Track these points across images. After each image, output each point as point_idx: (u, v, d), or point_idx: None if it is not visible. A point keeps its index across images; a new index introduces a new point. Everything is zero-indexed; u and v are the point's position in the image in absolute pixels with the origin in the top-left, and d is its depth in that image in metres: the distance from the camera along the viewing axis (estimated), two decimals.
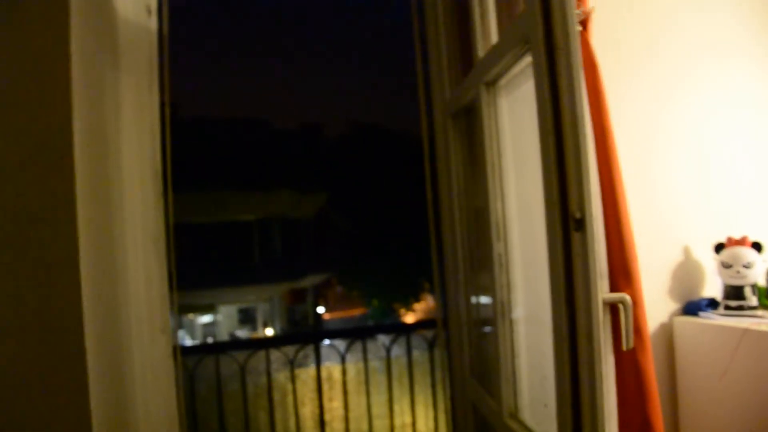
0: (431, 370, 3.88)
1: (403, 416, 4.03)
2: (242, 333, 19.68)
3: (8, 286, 1.45)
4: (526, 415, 1.91)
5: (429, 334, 3.87)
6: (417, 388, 3.91)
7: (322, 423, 3.78)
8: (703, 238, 2.23)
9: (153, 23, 2.26)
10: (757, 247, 2.08)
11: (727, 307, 2.09)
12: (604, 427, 1.29)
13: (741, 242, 2.10)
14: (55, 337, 1.46)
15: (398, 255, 19.52)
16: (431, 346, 3.82)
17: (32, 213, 1.46)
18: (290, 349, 3.72)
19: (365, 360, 3.79)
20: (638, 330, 1.48)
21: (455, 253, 2.51)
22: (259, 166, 19.22)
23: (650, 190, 2.21)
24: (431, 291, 19.49)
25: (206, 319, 19.88)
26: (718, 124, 2.29)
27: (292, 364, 3.67)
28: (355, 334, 3.98)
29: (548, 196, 1.38)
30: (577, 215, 1.29)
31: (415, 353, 3.89)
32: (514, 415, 1.92)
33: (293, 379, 3.72)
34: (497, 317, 1.95)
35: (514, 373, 1.93)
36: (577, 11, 1.32)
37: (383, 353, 3.82)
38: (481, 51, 2.01)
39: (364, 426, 3.83)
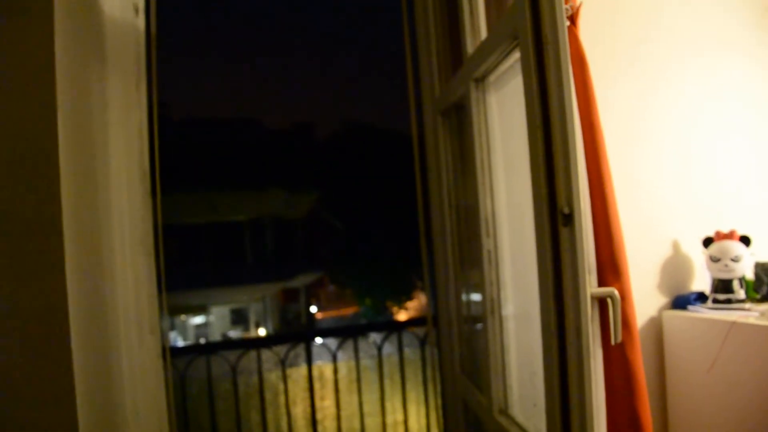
0: (423, 367, 3.88)
1: (395, 414, 4.03)
2: (235, 333, 19.62)
3: None
4: (516, 411, 1.92)
5: (420, 331, 3.87)
6: (409, 386, 3.91)
7: (314, 422, 3.77)
8: (691, 233, 2.23)
9: (140, 22, 2.25)
10: (745, 240, 2.09)
11: (716, 301, 2.10)
12: (593, 422, 1.29)
13: (729, 236, 2.11)
14: (41, 338, 1.44)
15: (390, 253, 19.52)
16: (422, 343, 3.82)
17: (16, 214, 1.45)
18: (281, 349, 3.71)
19: (357, 358, 3.78)
20: (627, 324, 1.48)
21: (445, 251, 2.51)
22: (250, 165, 19.18)
23: (639, 184, 2.21)
24: (423, 289, 19.50)
25: (198, 320, 19.81)
26: (707, 118, 2.30)
27: (284, 364, 3.66)
28: (347, 332, 3.98)
29: (536, 191, 1.39)
30: (566, 210, 1.29)
31: (407, 351, 3.89)
32: (504, 410, 1.92)
33: (285, 378, 3.71)
34: (487, 314, 1.95)
35: (503, 369, 1.94)
36: (565, 6, 1.31)
37: (375, 351, 3.81)
38: (470, 47, 2.01)
39: (356, 424, 3.83)
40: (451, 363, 2.55)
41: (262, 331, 19.55)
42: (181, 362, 3.37)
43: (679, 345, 2.13)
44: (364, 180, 20.10)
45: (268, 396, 3.75)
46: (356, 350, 3.77)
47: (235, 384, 3.54)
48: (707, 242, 2.15)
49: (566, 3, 1.45)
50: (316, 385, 3.86)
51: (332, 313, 20.99)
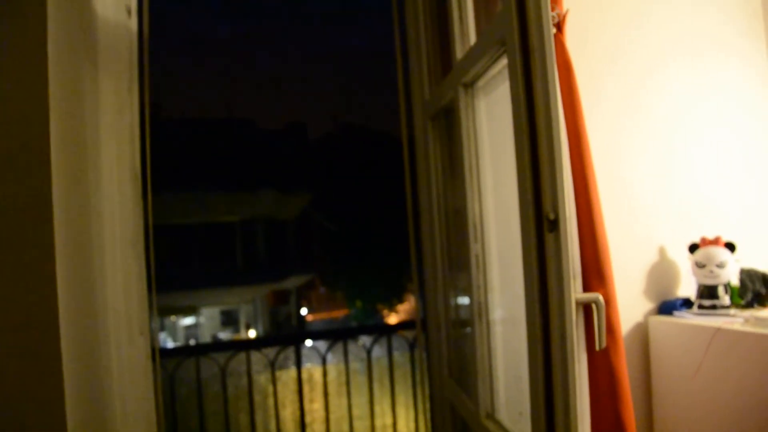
0: (412, 371, 3.89)
1: (384, 417, 4.04)
2: (225, 335, 19.59)
3: None
4: (503, 416, 1.93)
5: (410, 335, 3.88)
6: (398, 389, 3.92)
7: (302, 425, 3.77)
8: (677, 239, 2.26)
9: (133, 24, 2.25)
10: (730, 247, 2.11)
11: (701, 306, 2.12)
12: (577, 427, 1.31)
13: (714, 242, 2.13)
14: (30, 339, 1.45)
15: (381, 256, 19.52)
16: (412, 347, 3.83)
17: (7, 214, 1.45)
18: (271, 351, 3.71)
19: (346, 361, 3.79)
20: (611, 330, 1.49)
21: (434, 254, 2.53)
22: (242, 166, 19.13)
23: (625, 190, 2.23)
24: (414, 292, 19.51)
25: (188, 321, 19.76)
26: (693, 124, 2.32)
27: (273, 366, 3.66)
28: (337, 335, 3.98)
29: (523, 196, 1.40)
30: (551, 216, 1.30)
31: (396, 354, 3.90)
32: (491, 415, 1.93)
33: (274, 380, 3.71)
34: (474, 318, 1.96)
35: (491, 373, 1.95)
36: (552, 13, 1.33)
37: (364, 354, 3.82)
38: (459, 52, 2.02)
39: (345, 427, 3.83)
40: (439, 367, 2.56)
41: (252, 333, 19.52)
42: (170, 364, 3.37)
43: (664, 350, 2.15)
44: (356, 182, 20.11)
45: (257, 398, 3.75)
46: (346, 353, 3.78)
47: (224, 386, 3.54)
48: (693, 248, 2.17)
49: (553, 10, 1.47)
50: (306, 388, 3.87)
51: (322, 316, 20.98)
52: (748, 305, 2.15)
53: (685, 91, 2.32)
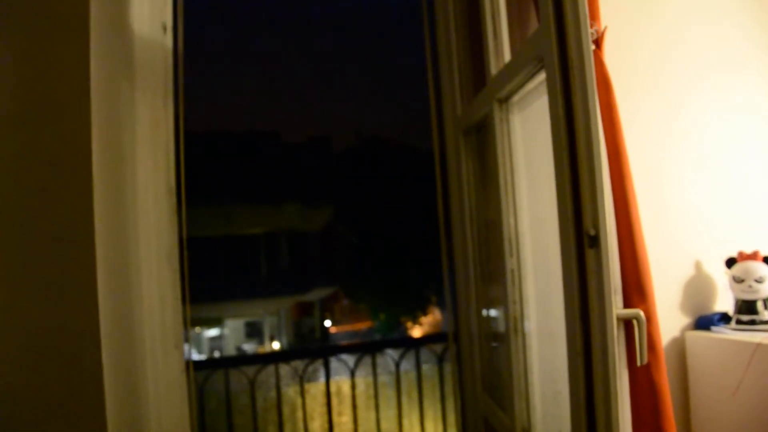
0: (440, 384, 3.88)
1: (412, 430, 4.02)
2: (249, 346, 19.65)
3: (28, 303, 1.47)
4: (539, 430, 1.91)
5: (438, 348, 3.87)
6: (426, 403, 3.91)
7: None
8: (714, 253, 2.23)
9: (168, 40, 2.29)
10: None
11: (739, 322, 2.09)
12: None
13: (753, 257, 2.10)
14: (73, 353, 1.47)
15: (405, 268, 19.50)
16: (440, 360, 3.82)
17: (52, 231, 1.48)
18: (300, 364, 3.72)
19: (374, 374, 3.79)
20: (652, 346, 1.48)
21: (467, 268, 2.52)
22: (267, 179, 19.26)
23: (662, 205, 2.21)
24: (438, 304, 19.45)
25: (213, 332, 19.87)
26: (730, 138, 2.30)
27: (302, 379, 3.67)
28: (365, 348, 3.98)
29: (562, 213, 1.40)
30: (592, 232, 1.30)
31: (424, 367, 3.89)
32: (527, 430, 1.92)
33: (303, 393, 3.72)
34: (509, 332, 1.95)
35: (527, 388, 1.94)
36: (590, 30, 1.33)
37: (392, 367, 3.82)
38: (494, 68, 2.03)
39: None
40: (471, 380, 2.55)
41: (276, 345, 19.58)
42: (200, 376, 3.40)
43: (702, 366, 2.12)
44: (380, 195, 20.13)
45: (285, 411, 3.76)
46: (374, 366, 3.78)
47: (253, 398, 3.56)
48: (730, 263, 2.14)
49: (591, 27, 1.47)
50: (334, 401, 3.87)
51: (346, 328, 20.97)
52: None
53: (723, 108, 2.30)
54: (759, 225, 2.29)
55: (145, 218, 2.02)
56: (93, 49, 1.55)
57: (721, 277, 2.23)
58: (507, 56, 2.01)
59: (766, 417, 1.85)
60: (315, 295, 19.94)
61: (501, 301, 2.07)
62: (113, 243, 1.65)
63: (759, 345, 1.86)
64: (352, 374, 3.76)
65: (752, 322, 2.06)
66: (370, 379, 3.84)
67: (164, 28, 2.29)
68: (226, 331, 20.03)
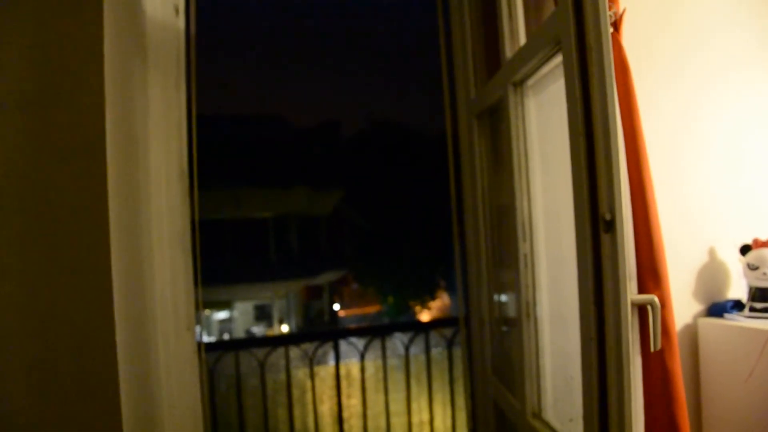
0: (449, 368, 3.89)
1: (420, 414, 4.04)
2: (258, 329, 19.77)
3: (43, 285, 1.47)
4: (550, 415, 1.92)
5: (447, 332, 3.88)
6: (435, 386, 3.92)
7: (340, 420, 3.80)
8: (728, 240, 2.21)
9: (180, 23, 2.28)
10: None
11: (753, 309, 2.07)
12: (632, 428, 1.29)
13: (767, 244, 2.09)
14: (88, 333, 1.48)
15: (414, 252, 19.50)
16: (450, 343, 3.83)
17: (67, 213, 1.49)
18: (309, 346, 3.74)
19: (384, 358, 3.80)
20: (666, 332, 1.48)
21: (479, 252, 2.52)
22: (276, 163, 19.26)
23: (677, 190, 2.19)
24: (447, 289, 19.48)
25: (222, 315, 19.99)
26: (748, 126, 2.27)
27: (312, 362, 3.69)
28: (374, 332, 3.99)
29: (578, 197, 1.39)
30: (607, 217, 1.29)
31: (433, 351, 3.90)
32: (538, 414, 1.92)
33: (312, 376, 3.74)
34: (522, 316, 1.95)
35: (538, 372, 1.94)
36: (609, 12, 1.31)
37: (401, 351, 3.83)
38: (509, 51, 2.01)
39: (382, 423, 3.84)
40: (482, 364, 2.55)
41: (285, 328, 19.68)
42: (210, 357, 3.42)
43: (714, 353, 2.12)
44: (390, 179, 20.09)
45: (295, 393, 3.78)
46: (383, 350, 3.79)
47: (263, 380, 3.58)
48: (745, 250, 2.13)
49: (610, 9, 1.45)
50: (343, 384, 3.89)
51: (355, 311, 21.04)
52: None
53: (742, 95, 2.27)
54: None
55: (158, 201, 2.02)
56: (107, 30, 1.55)
57: (735, 264, 2.22)
58: (522, 39, 1.99)
59: None
60: (324, 278, 20.01)
61: (513, 286, 2.07)
62: (126, 225, 1.66)
63: None
64: (362, 357, 3.77)
65: (766, 310, 2.04)
66: (380, 362, 3.85)
67: (176, 11, 2.29)
68: (236, 313, 20.14)
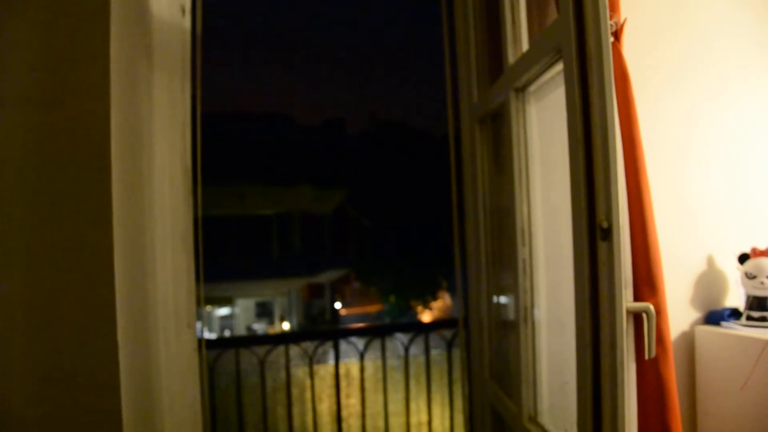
0: (449, 369, 3.90)
1: (419, 414, 4.05)
2: (259, 326, 19.80)
3: (46, 280, 1.49)
4: (546, 419, 1.93)
5: (447, 333, 3.89)
6: (434, 387, 3.93)
7: (338, 419, 3.81)
8: (727, 248, 2.22)
9: (187, 23, 2.29)
10: None
11: (750, 318, 2.08)
12: None
13: (766, 253, 2.10)
14: (89, 330, 1.50)
15: (416, 252, 19.52)
16: (449, 345, 3.84)
17: (70, 210, 1.50)
18: (309, 345, 3.76)
19: (383, 358, 3.81)
20: (661, 339, 1.49)
21: (478, 255, 2.53)
22: (280, 161, 19.30)
23: (675, 199, 2.20)
24: (448, 289, 19.49)
25: (224, 311, 20.02)
26: (748, 133, 2.28)
27: (311, 360, 3.71)
28: (374, 332, 4.01)
29: (576, 204, 1.40)
30: (604, 225, 1.30)
31: (433, 352, 3.92)
32: (534, 418, 1.94)
33: (312, 375, 3.76)
34: (519, 321, 1.96)
35: (534, 376, 1.95)
36: (610, 22, 1.33)
37: (401, 351, 3.84)
38: (511, 57, 2.02)
39: (381, 423, 3.86)
40: (480, 367, 2.57)
41: (286, 325, 19.71)
42: (211, 354, 3.43)
43: (711, 361, 2.13)
44: (393, 179, 20.11)
45: (294, 391, 3.80)
46: (383, 350, 3.80)
47: (263, 378, 3.59)
48: (743, 258, 2.14)
49: (611, 19, 1.46)
50: (342, 383, 3.91)
51: (356, 310, 21.06)
52: None
53: (742, 104, 2.27)
54: None
55: (161, 198, 2.04)
56: (113, 30, 1.56)
57: (733, 273, 2.23)
58: (525, 45, 2.00)
59: None
60: (326, 276, 20.04)
61: (511, 290, 2.08)
62: (129, 222, 1.67)
63: None
64: (362, 357, 3.79)
65: (763, 319, 2.05)
66: (379, 362, 3.86)
67: (183, 11, 2.30)
68: (237, 310, 20.18)
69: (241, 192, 18.11)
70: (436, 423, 4.07)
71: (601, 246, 1.32)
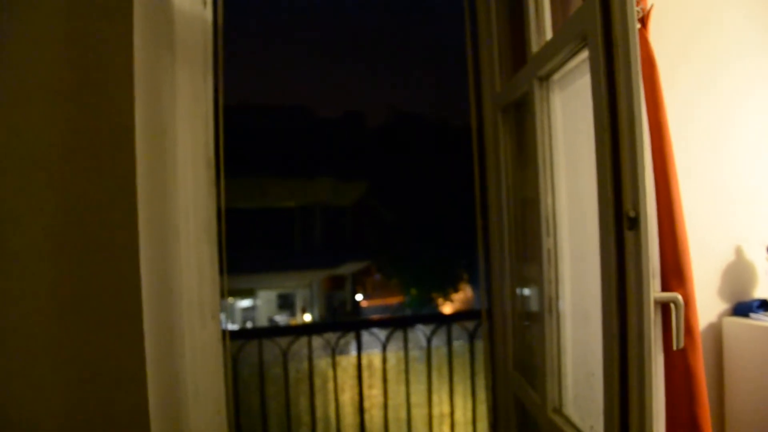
0: (471, 361, 3.89)
1: (441, 406, 4.05)
2: (281, 318, 19.91)
3: (73, 271, 1.51)
4: (571, 410, 1.92)
5: (470, 324, 3.87)
6: (456, 378, 3.93)
7: (361, 410, 3.83)
8: (756, 239, 2.19)
9: (208, 14, 2.30)
10: None
11: None
12: (652, 426, 1.29)
13: None
14: (116, 321, 1.51)
15: (437, 244, 19.47)
16: (472, 336, 3.83)
17: (97, 202, 1.51)
18: (332, 336, 3.77)
19: (405, 349, 3.81)
20: (689, 330, 1.47)
21: (502, 246, 2.51)
22: (301, 153, 19.36)
23: (704, 189, 2.17)
24: (470, 282, 19.44)
25: (246, 303, 20.16)
26: None
27: (334, 351, 3.72)
28: (396, 323, 4.01)
29: (602, 193, 1.38)
30: (631, 214, 1.28)
31: (455, 344, 3.91)
32: (558, 409, 1.92)
33: (334, 365, 3.77)
34: (544, 312, 1.95)
35: (559, 368, 1.94)
36: (636, 8, 1.31)
37: (423, 343, 3.84)
38: (535, 45, 2.00)
39: (403, 414, 3.86)
40: (503, 358, 2.56)
41: (307, 317, 19.81)
42: (234, 345, 3.46)
43: (739, 352, 2.10)
44: (414, 171, 20.06)
45: (317, 382, 3.81)
46: (406, 341, 3.80)
47: (285, 369, 3.61)
48: None
49: (637, 5, 1.44)
50: (365, 374, 3.91)
51: (377, 302, 21.10)
52: None
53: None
54: None
55: (185, 190, 2.05)
56: (136, 23, 1.57)
57: (762, 264, 2.19)
58: (549, 33, 1.98)
59: None
60: (347, 269, 20.09)
61: (536, 281, 2.06)
62: (154, 214, 1.68)
63: None
64: (384, 348, 3.79)
65: None
66: (401, 353, 3.86)
67: (204, 3, 2.31)
68: (259, 302, 20.31)
69: (262, 184, 18.18)
70: (459, 414, 4.06)
71: (628, 235, 1.30)
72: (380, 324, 4.36)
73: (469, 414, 4.03)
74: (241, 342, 3.54)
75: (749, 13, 2.23)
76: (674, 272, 1.48)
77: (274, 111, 20.42)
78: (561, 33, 1.69)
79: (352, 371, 3.94)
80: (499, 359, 2.63)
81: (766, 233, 2.17)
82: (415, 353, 3.95)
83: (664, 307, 1.39)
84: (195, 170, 2.15)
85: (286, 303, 20.59)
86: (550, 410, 1.92)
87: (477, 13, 2.63)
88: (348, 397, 4.15)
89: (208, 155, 2.26)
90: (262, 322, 19.73)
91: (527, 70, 2.04)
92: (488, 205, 2.63)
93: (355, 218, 21.08)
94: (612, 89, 1.34)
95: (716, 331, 2.18)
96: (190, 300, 2.05)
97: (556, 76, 1.88)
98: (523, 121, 2.21)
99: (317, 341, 3.74)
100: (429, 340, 3.80)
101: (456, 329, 3.89)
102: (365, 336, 3.88)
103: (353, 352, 3.89)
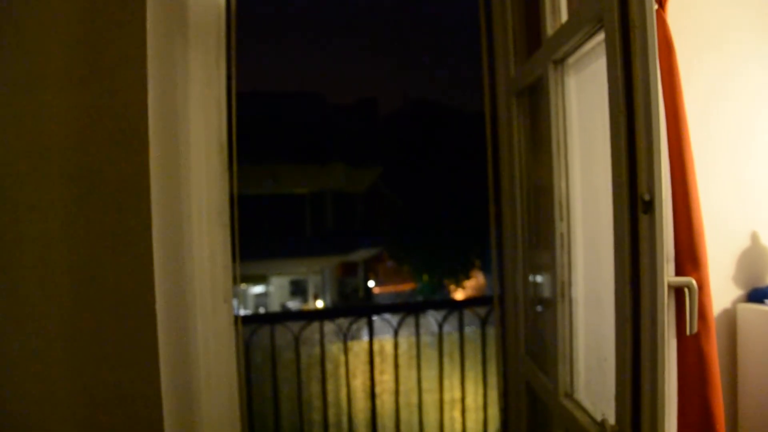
0: (482, 346, 3.90)
1: (452, 391, 4.06)
2: (293, 304, 20.00)
3: (88, 258, 1.51)
4: (582, 396, 1.92)
5: (481, 310, 3.88)
6: (467, 364, 3.94)
7: (372, 395, 3.85)
8: None
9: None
10: None
11: None
12: (664, 412, 1.29)
13: None
14: (129, 305, 1.52)
15: (449, 231, 19.44)
16: (483, 322, 3.83)
17: (109, 187, 1.52)
18: (344, 322, 3.78)
19: (417, 335, 3.82)
20: (703, 315, 1.46)
21: (515, 231, 2.51)
22: (313, 139, 19.35)
23: (719, 173, 2.14)
24: (482, 268, 19.42)
25: (258, 289, 20.26)
26: None
27: (345, 337, 3.73)
28: (408, 309, 4.02)
29: (617, 177, 1.37)
30: (646, 197, 1.27)
31: (467, 330, 3.91)
32: (570, 395, 1.92)
33: (346, 351, 3.79)
34: (557, 297, 1.94)
35: (571, 353, 1.93)
36: None
37: (434, 328, 3.85)
38: (550, 28, 1.98)
39: (414, 399, 3.88)
40: (515, 343, 2.55)
41: (320, 303, 19.89)
42: (246, 330, 3.48)
43: (753, 339, 2.08)
44: (426, 157, 20.01)
45: (328, 367, 3.84)
46: (417, 327, 3.81)
47: (297, 354, 3.64)
48: None
49: None
50: (376, 359, 3.93)
51: (389, 289, 21.14)
52: None
53: None
54: None
55: (198, 176, 2.06)
56: (149, 7, 1.56)
57: None
58: (564, 16, 1.96)
59: None
60: (359, 255, 20.12)
61: (548, 266, 2.06)
62: (167, 199, 1.69)
63: None
64: (395, 334, 3.80)
65: None
66: (413, 339, 3.87)
67: None
68: (271, 288, 20.40)
69: (275, 170, 18.20)
70: (470, 400, 4.07)
71: (643, 219, 1.30)
72: (392, 309, 4.38)
73: (480, 399, 4.05)
74: (254, 327, 3.56)
75: None
76: (689, 257, 1.47)
77: (287, 97, 20.40)
78: (576, 15, 1.68)
79: (363, 356, 3.96)
80: (510, 345, 2.63)
81: None
82: (426, 339, 3.96)
83: (678, 292, 1.38)
84: (208, 156, 2.15)
85: (298, 289, 20.68)
86: (561, 395, 1.92)
87: None
88: (359, 382, 4.18)
89: (221, 140, 2.27)
90: (275, 308, 19.83)
91: (542, 53, 2.02)
92: (501, 190, 2.62)
93: (367, 204, 21.09)
94: (628, 72, 1.33)
95: (730, 317, 2.17)
96: (202, 285, 2.05)
97: (571, 60, 1.87)
98: (537, 105, 2.19)
99: (329, 327, 3.76)
100: (440, 326, 3.80)
101: (468, 315, 3.90)
102: (377, 322, 3.89)
103: (365, 338, 3.91)
